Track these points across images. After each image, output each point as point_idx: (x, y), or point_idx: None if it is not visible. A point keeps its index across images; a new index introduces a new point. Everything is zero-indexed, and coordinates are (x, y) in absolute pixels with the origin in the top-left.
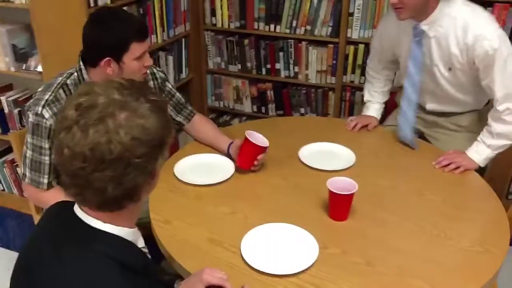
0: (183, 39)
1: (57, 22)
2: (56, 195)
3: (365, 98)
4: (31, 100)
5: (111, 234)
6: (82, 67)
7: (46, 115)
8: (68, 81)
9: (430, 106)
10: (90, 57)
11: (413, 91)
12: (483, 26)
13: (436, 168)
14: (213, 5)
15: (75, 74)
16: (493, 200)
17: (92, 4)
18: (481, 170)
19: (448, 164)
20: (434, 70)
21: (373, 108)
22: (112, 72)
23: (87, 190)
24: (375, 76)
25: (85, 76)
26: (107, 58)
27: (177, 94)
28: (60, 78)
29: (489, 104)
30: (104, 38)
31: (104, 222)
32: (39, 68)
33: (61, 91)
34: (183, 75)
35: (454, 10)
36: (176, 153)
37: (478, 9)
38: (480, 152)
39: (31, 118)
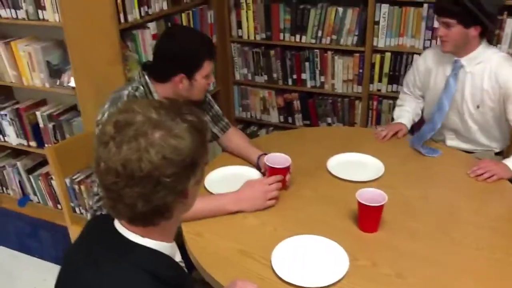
0: None
1: (89, 39)
2: None
3: (395, 115)
4: (102, 116)
5: (147, 248)
6: (148, 81)
7: None
8: (137, 93)
9: (450, 143)
10: (162, 73)
11: (439, 119)
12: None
13: (471, 177)
14: (239, 17)
15: (141, 88)
16: None
17: (122, 21)
18: None
19: (483, 173)
20: (463, 107)
21: (403, 119)
22: (182, 88)
23: (119, 204)
24: (406, 99)
25: (152, 89)
26: (181, 75)
27: (216, 106)
28: (127, 91)
29: (504, 153)
30: (181, 55)
31: (142, 236)
32: (72, 83)
33: None
34: (210, 86)
35: (491, 53)
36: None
37: (510, 57)
38: None
39: None
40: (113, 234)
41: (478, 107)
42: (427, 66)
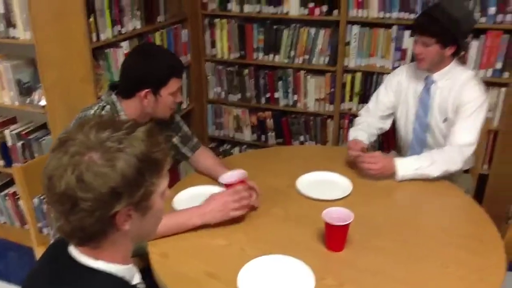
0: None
1: (60, 57)
2: None
3: (350, 136)
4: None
5: (101, 272)
6: (115, 99)
7: None
8: (103, 112)
9: None
10: (127, 89)
11: (421, 131)
12: (475, 84)
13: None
14: (213, 36)
15: (107, 106)
16: (490, 227)
17: (94, 39)
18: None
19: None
20: (432, 121)
21: (359, 137)
22: (148, 104)
23: (53, 217)
24: (362, 117)
25: (119, 107)
26: (146, 90)
27: (185, 126)
28: (92, 111)
29: (470, 170)
30: (148, 71)
31: (95, 259)
32: (42, 102)
33: None
34: (184, 104)
35: (460, 71)
36: (175, 185)
37: (476, 76)
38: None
39: None
40: (67, 259)
41: (445, 120)
42: (399, 82)
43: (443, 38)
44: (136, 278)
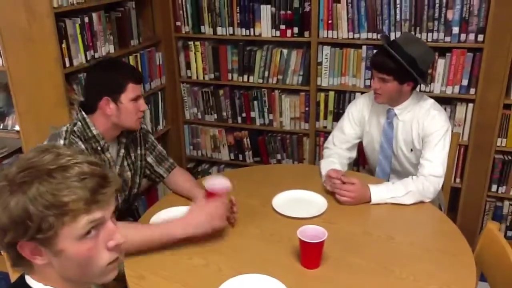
0: (159, 92)
1: (33, 82)
2: None
3: (323, 167)
4: None
5: None
6: (85, 116)
7: None
8: (75, 128)
9: None
10: (90, 102)
11: (386, 163)
12: (436, 113)
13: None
14: (187, 58)
15: (79, 123)
16: (461, 241)
17: (67, 65)
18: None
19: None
20: (398, 151)
21: (334, 166)
22: (111, 112)
23: None
24: (331, 151)
25: (90, 123)
26: (105, 98)
27: (159, 146)
28: (65, 127)
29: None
30: (103, 80)
31: (44, 285)
32: (16, 127)
33: (72, 136)
34: (160, 126)
35: (420, 102)
36: (152, 206)
37: (436, 105)
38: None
39: None
40: (22, 285)
41: (411, 150)
42: (362, 115)
43: (400, 76)
44: None
